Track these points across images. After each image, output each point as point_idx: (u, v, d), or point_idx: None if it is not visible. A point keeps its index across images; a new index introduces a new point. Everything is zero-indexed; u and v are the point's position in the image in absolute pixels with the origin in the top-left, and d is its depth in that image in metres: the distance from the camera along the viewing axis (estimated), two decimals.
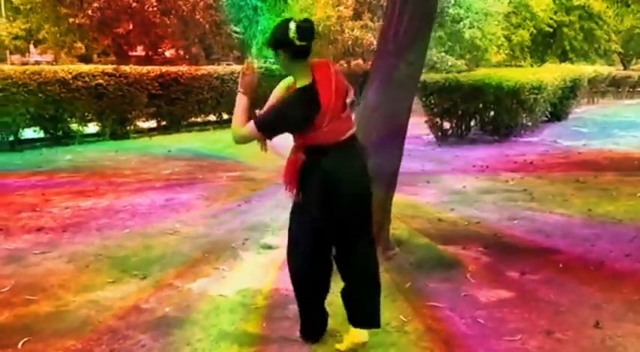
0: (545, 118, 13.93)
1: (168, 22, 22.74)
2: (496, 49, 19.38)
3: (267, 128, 2.72)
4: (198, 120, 14.15)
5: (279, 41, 2.67)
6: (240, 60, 25.10)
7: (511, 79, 10.86)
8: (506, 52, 22.31)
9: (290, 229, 2.97)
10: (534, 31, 24.67)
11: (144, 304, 3.56)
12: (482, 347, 2.99)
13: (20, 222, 5.45)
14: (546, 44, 26.92)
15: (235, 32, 22.76)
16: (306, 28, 2.63)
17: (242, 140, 2.77)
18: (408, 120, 4.40)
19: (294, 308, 3.41)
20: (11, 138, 10.44)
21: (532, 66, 21.57)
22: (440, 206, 6.08)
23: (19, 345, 3.04)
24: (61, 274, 4.10)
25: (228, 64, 20.70)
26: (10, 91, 9.90)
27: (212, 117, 14.47)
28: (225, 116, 14.58)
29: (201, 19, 20.97)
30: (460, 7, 16.66)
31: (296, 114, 2.70)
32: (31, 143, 10.87)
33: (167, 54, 33.38)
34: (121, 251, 4.60)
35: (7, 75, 9.98)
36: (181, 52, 30.66)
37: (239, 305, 3.56)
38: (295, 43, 2.60)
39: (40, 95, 10.32)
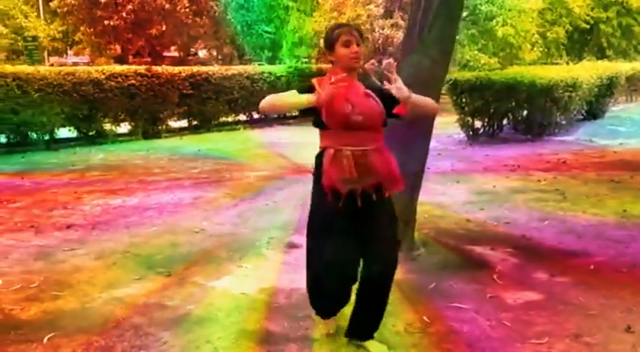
0: (581, 117, 13.61)
1: (200, 22, 23.08)
2: (530, 46, 18.98)
3: None
4: (229, 119, 14.25)
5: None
6: (271, 60, 25.26)
7: (544, 77, 10.63)
8: (541, 49, 21.83)
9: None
10: (570, 28, 24.09)
11: (167, 301, 3.59)
12: (505, 351, 2.92)
13: (51, 220, 5.57)
14: (583, 41, 26.27)
15: (267, 32, 22.91)
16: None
17: None
18: (434, 120, 4.33)
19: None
20: (47, 137, 10.69)
21: (568, 64, 21.07)
22: (469, 206, 5.98)
23: (45, 340, 3.09)
24: (88, 271, 4.16)
25: (260, 64, 20.81)
26: (45, 92, 10.15)
27: (242, 117, 14.57)
28: (255, 115, 14.69)
29: (232, 20, 21.12)
30: (493, 4, 16.39)
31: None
32: (66, 142, 11.10)
33: (200, 54, 33.90)
34: (147, 248, 4.65)
35: (43, 75, 10.23)
36: (214, 53, 31.10)
37: (261, 304, 3.55)
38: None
39: (75, 95, 10.56)
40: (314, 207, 2.87)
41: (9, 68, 10.33)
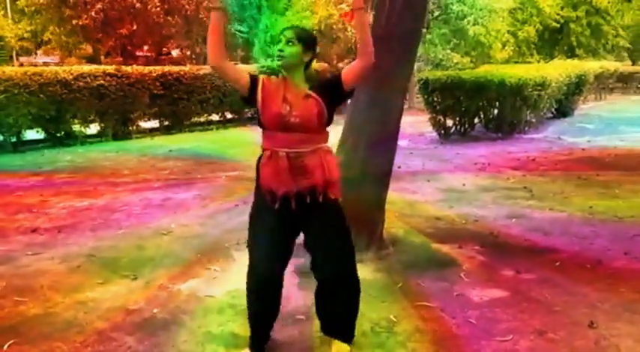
0: (551, 115, 13.83)
1: (172, 21, 22.81)
2: (501, 45, 19.22)
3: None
4: (201, 119, 14.13)
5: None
6: (244, 59, 25.12)
7: (514, 76, 10.77)
8: (512, 48, 22.14)
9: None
10: (541, 28, 24.47)
11: (132, 305, 3.53)
12: (470, 348, 2.94)
13: (16, 224, 5.45)
14: (554, 40, 26.68)
15: (239, 31, 22.78)
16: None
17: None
18: (400, 119, 4.34)
19: (283, 307, 3.38)
20: (13, 139, 10.46)
21: (539, 62, 21.38)
22: (438, 204, 6.02)
23: (5, 347, 3.02)
24: (52, 275, 4.07)
25: (234, 63, 20.65)
26: (11, 92, 9.92)
27: (215, 117, 14.45)
28: (228, 115, 14.59)
29: (205, 19, 20.90)
30: (464, 4, 16.54)
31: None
32: (33, 144, 10.88)
33: (173, 54, 33.51)
34: (113, 252, 4.57)
35: (9, 76, 10.00)
36: (187, 52, 30.77)
37: (227, 307, 3.52)
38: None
39: (42, 96, 10.34)
40: (253, 207, 2.84)
41: None
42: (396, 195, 4.60)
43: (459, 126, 11.36)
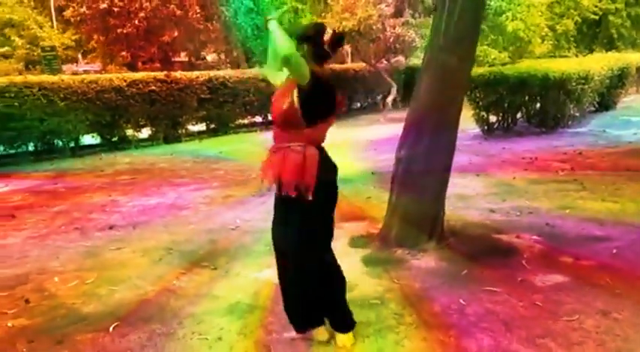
0: (593, 108, 13.73)
1: (211, 27, 23.37)
2: (540, 40, 19.11)
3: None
4: (245, 122, 14.52)
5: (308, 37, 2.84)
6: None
7: (557, 70, 10.77)
8: (551, 42, 21.94)
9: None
10: (579, 20, 24.17)
11: (217, 292, 3.83)
12: (540, 327, 3.13)
13: (93, 222, 5.84)
14: (592, 33, 26.32)
15: None
16: (338, 40, 2.89)
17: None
18: (460, 115, 4.54)
19: (356, 293, 3.65)
20: (72, 144, 11.01)
21: (577, 56, 21.15)
22: (491, 197, 6.18)
23: (110, 329, 3.35)
24: (137, 267, 4.42)
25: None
26: (70, 100, 10.46)
27: (258, 119, 14.82)
28: (270, 117, 14.90)
29: (242, 24, 21.38)
30: (502, 0, 16.53)
31: (329, 100, 2.89)
32: (90, 149, 11.42)
33: (209, 58, 34.22)
34: (188, 245, 4.90)
35: (67, 84, 10.53)
36: (223, 56, 31.36)
37: None
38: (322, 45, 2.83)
39: (98, 102, 10.88)
40: None
41: (34, 78, 10.63)
42: (448, 190, 4.78)
43: (502, 122, 11.43)
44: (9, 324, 3.48)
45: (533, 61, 13.74)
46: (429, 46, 4.47)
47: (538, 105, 11.41)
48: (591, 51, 24.27)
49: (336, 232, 4.97)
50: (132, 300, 3.78)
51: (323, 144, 2.93)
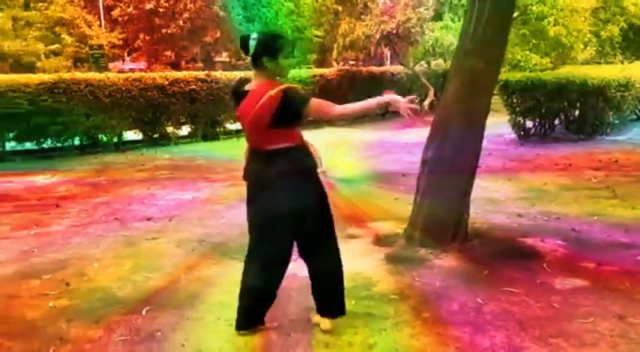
0: (635, 117, 13.47)
1: (252, 28, 23.77)
2: (583, 46, 18.79)
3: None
4: None
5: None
6: (319, 63, 25.72)
7: (596, 77, 10.66)
8: (595, 48, 21.52)
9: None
10: (625, 26, 23.62)
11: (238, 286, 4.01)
12: (554, 327, 3.21)
13: (131, 213, 6.13)
14: (639, 40, 25.68)
15: (316, 36, 23.42)
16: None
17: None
18: (486, 119, 4.62)
19: (377, 289, 3.79)
20: (115, 140, 11.46)
21: (622, 63, 20.70)
22: (520, 202, 6.21)
23: (143, 312, 3.57)
24: (171, 257, 4.65)
25: (308, 67, 21.34)
26: (115, 97, 10.89)
27: None
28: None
29: (283, 25, 21.69)
30: (544, 4, 16.33)
31: None
32: (132, 144, 11.86)
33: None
34: (220, 238, 5.12)
35: (113, 82, 10.97)
36: None
37: None
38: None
39: (141, 100, 11.28)
40: None
41: (81, 75, 11.10)
42: (477, 193, 4.86)
43: (539, 128, 11.35)
44: (50, 304, 3.74)
45: (572, 67, 13.58)
46: (457, 49, 4.57)
47: (576, 111, 11.30)
48: (638, 58, 23.69)
49: (361, 231, 5.18)
50: (164, 287, 4.00)
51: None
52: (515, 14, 17.00)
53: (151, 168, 9.15)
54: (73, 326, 3.40)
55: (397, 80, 17.12)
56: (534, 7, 16.68)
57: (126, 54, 30.64)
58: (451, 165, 4.48)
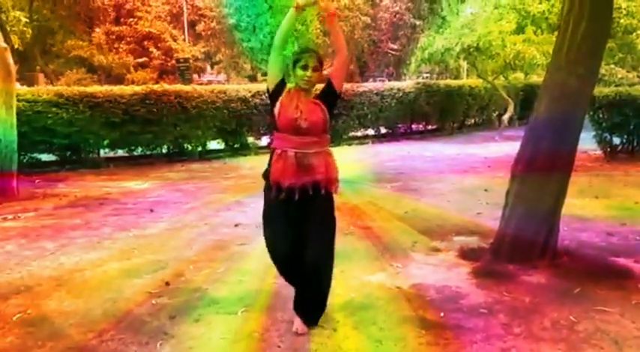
0: None
1: (328, 42, 24.10)
2: None
3: None
4: (358, 134, 14.92)
5: None
6: (393, 76, 25.73)
7: None
8: None
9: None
10: None
11: (334, 289, 4.13)
12: None
13: (219, 219, 6.41)
14: None
15: (393, 50, 23.48)
16: None
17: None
18: (579, 135, 4.55)
19: (465, 302, 3.81)
20: (199, 148, 11.97)
21: None
22: (609, 220, 6.02)
23: (239, 313, 3.76)
24: (260, 261, 4.78)
25: (381, 80, 21.43)
26: (201, 108, 11.38)
27: (370, 131, 15.18)
28: (382, 130, 15.24)
29: (359, 39, 21.87)
30: (633, 18, 15.66)
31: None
32: (215, 153, 12.34)
33: (325, 72, 35.27)
34: None
35: (200, 93, 11.48)
36: None
37: (415, 297, 4.00)
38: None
39: (225, 111, 11.73)
40: (264, 209, 3.44)
41: (170, 87, 11.68)
42: (564, 210, 4.77)
43: (626, 145, 10.90)
44: (153, 302, 4.00)
45: None
46: (550, 65, 4.54)
47: None
48: None
49: (446, 244, 5.21)
50: (257, 290, 4.19)
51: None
52: None
53: (235, 176, 9.50)
54: (176, 323, 3.63)
55: (475, 93, 16.90)
56: (622, 20, 16.02)
57: (208, 67, 31.85)
58: (541, 180, 4.44)
